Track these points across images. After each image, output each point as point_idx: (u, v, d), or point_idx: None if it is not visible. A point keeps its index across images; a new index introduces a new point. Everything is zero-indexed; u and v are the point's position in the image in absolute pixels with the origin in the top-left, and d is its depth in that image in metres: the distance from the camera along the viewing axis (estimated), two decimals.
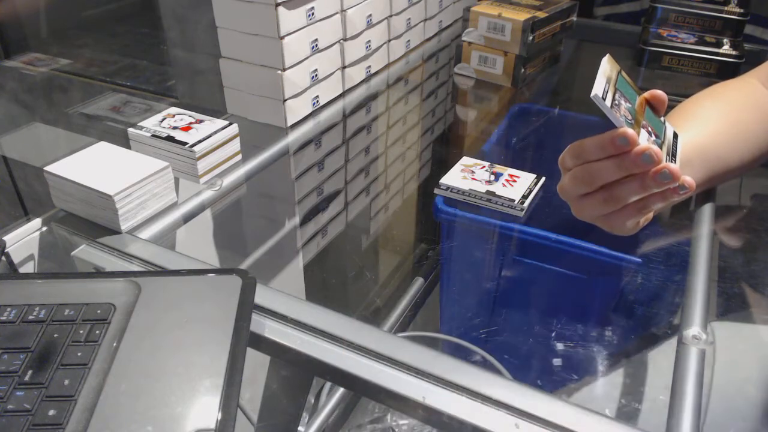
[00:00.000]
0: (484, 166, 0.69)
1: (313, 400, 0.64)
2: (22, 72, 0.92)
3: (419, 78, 1.00)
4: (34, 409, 0.35)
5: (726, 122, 0.58)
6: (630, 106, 0.47)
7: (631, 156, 0.44)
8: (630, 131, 0.44)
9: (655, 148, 0.44)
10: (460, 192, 0.66)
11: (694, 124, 0.57)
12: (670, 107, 0.52)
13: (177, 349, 0.39)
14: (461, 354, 0.65)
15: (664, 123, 0.51)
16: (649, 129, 0.48)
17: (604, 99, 0.44)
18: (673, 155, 0.49)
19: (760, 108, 0.59)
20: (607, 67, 0.47)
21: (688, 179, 0.45)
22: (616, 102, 0.45)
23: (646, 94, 0.50)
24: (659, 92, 0.50)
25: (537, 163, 0.79)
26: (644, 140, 0.45)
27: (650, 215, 0.52)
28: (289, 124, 0.78)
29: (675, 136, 0.51)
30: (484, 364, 0.62)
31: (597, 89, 0.43)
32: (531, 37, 0.90)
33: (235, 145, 0.69)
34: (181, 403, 0.36)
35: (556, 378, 0.59)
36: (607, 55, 0.48)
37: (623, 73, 0.49)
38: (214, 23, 0.75)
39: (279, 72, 0.74)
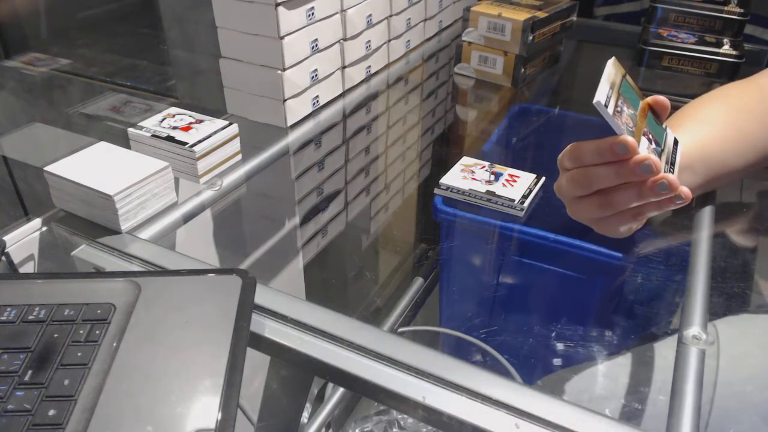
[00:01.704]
0: (484, 166, 0.69)
1: (316, 392, 0.64)
2: (22, 72, 0.92)
3: (419, 78, 1.00)
4: (34, 409, 0.35)
5: (732, 125, 0.57)
6: (632, 112, 0.47)
7: (629, 165, 0.44)
8: (630, 139, 0.43)
9: (655, 158, 0.44)
10: (460, 192, 0.66)
11: (699, 126, 0.57)
12: (673, 108, 0.52)
13: (177, 349, 0.39)
14: (464, 351, 0.65)
15: (666, 130, 0.51)
16: (650, 136, 0.47)
17: (607, 106, 0.43)
18: (672, 164, 0.49)
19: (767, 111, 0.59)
20: (611, 72, 0.46)
21: (685, 190, 0.45)
22: (618, 109, 0.45)
23: (649, 100, 0.50)
24: (662, 98, 0.50)
25: (537, 163, 0.79)
26: (644, 148, 0.45)
27: (644, 220, 0.52)
28: (289, 124, 0.78)
29: (675, 143, 0.51)
30: (487, 360, 0.62)
31: (600, 96, 0.43)
32: (531, 37, 0.90)
33: (235, 145, 0.69)
34: (181, 403, 0.36)
35: (556, 378, 0.59)
36: (613, 58, 0.48)
37: (628, 77, 0.48)
38: (214, 23, 0.75)
39: (279, 72, 0.74)
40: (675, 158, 0.49)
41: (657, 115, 0.50)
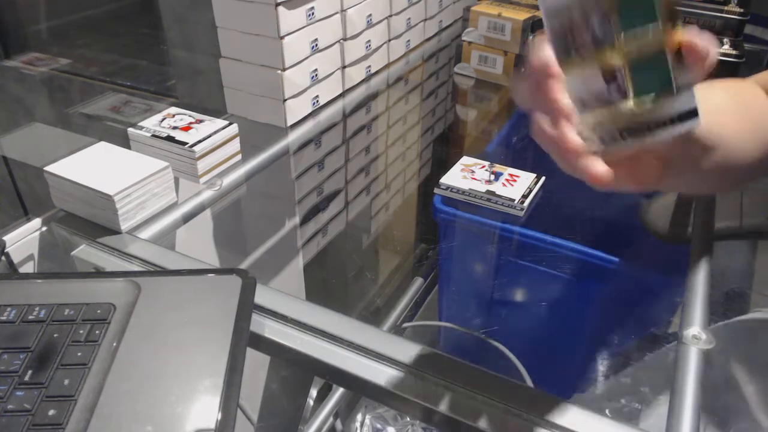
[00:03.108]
0: (484, 166, 0.69)
1: (315, 392, 0.64)
2: (22, 72, 0.92)
3: (419, 78, 1.00)
4: (34, 409, 0.35)
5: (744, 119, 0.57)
6: None
7: None
8: None
9: None
10: (460, 191, 0.66)
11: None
12: None
13: (177, 349, 0.39)
14: (466, 349, 0.65)
15: None
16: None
17: None
18: None
19: (763, 115, 0.59)
20: None
21: None
22: None
23: None
24: None
25: (537, 162, 0.79)
26: None
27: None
28: (289, 124, 0.78)
29: None
30: (489, 358, 0.62)
31: None
32: (531, 37, 0.90)
33: (235, 145, 0.69)
34: (181, 403, 0.36)
35: (557, 378, 0.59)
36: None
37: None
38: (214, 23, 0.75)
39: (279, 72, 0.74)
40: None
41: None
